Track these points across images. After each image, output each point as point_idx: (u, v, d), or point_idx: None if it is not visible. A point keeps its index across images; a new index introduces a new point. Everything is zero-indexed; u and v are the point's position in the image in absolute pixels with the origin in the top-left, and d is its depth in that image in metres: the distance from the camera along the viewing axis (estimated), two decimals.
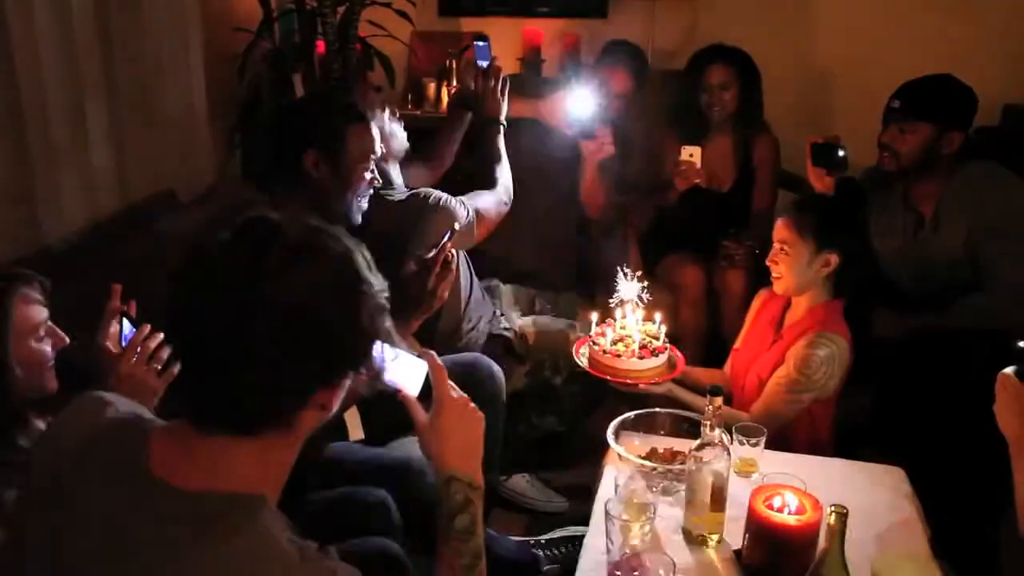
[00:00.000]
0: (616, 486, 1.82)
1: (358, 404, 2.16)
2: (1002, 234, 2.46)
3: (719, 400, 1.71)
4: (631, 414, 2.07)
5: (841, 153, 2.60)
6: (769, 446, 2.00)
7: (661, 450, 2.03)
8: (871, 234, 2.65)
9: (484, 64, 2.61)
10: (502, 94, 2.61)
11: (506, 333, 2.66)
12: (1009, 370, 1.80)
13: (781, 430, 2.19)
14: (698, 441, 1.74)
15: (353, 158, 2.05)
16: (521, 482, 2.76)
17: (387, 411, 2.06)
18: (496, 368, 2.37)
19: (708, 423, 1.72)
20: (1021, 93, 3.62)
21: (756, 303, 2.46)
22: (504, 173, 2.56)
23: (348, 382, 1.10)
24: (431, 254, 2.01)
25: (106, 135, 2.63)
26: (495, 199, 2.49)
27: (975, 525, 2.38)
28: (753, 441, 1.98)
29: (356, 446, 2.12)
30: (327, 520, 1.85)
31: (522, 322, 2.72)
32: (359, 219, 2.12)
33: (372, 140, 2.11)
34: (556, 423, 2.74)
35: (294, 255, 1.02)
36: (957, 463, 2.37)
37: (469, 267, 2.59)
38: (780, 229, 2.23)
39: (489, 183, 2.52)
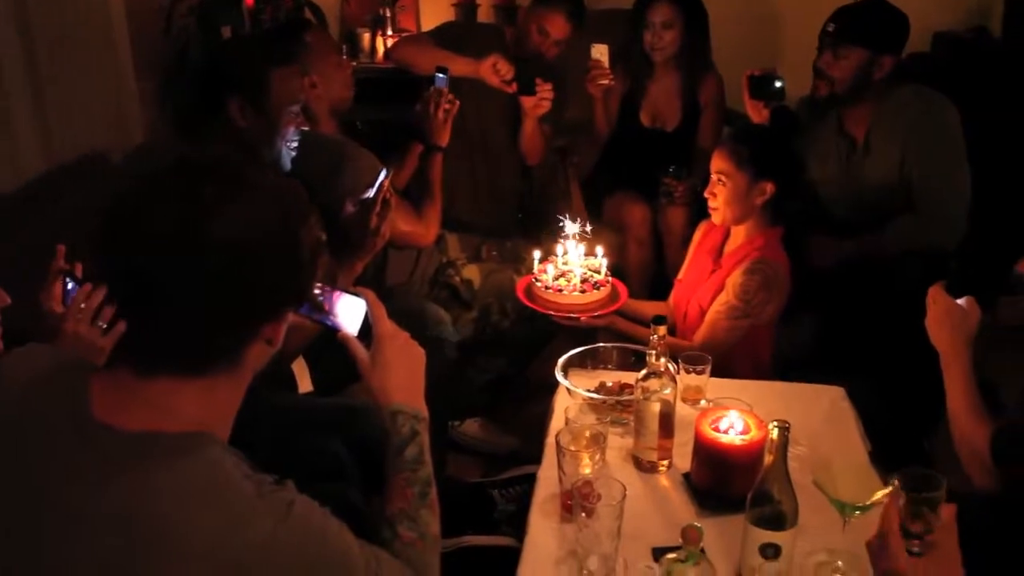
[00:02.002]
0: (567, 420, 1.84)
1: (305, 355, 2.16)
2: (932, 157, 2.51)
3: (663, 329, 1.73)
4: (578, 350, 2.09)
5: (778, 84, 2.63)
6: (713, 373, 2.03)
7: (609, 383, 2.05)
8: (806, 162, 2.69)
9: (442, 85, 2.64)
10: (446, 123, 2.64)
11: (451, 281, 2.65)
12: (939, 285, 1.86)
13: (724, 357, 2.23)
14: (644, 371, 1.77)
15: (279, 102, 2.01)
16: (473, 426, 2.78)
17: (335, 361, 2.07)
18: (443, 315, 2.38)
19: (653, 353, 1.74)
20: (950, 21, 3.68)
21: (697, 235, 2.49)
22: (433, 209, 2.57)
23: (290, 315, 1.10)
24: (370, 194, 1.99)
25: (27, 96, 2.53)
26: (415, 223, 2.50)
27: (913, 438, 2.47)
28: (698, 369, 2.02)
29: (305, 397, 2.12)
30: (277, 472, 1.85)
31: (468, 269, 2.72)
32: (289, 165, 2.09)
33: (299, 83, 2.08)
34: (505, 365, 2.76)
35: (230, 190, 1.02)
36: (896, 380, 2.44)
37: None
38: (717, 160, 2.25)
39: (417, 209, 2.55)
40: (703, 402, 2.00)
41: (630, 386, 1.99)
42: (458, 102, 2.65)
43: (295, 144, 2.07)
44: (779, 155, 2.26)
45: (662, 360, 1.75)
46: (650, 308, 2.44)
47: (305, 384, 2.16)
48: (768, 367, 2.35)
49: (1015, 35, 3.57)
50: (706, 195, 2.29)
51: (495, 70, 2.81)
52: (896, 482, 1.28)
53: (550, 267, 2.31)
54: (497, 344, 2.72)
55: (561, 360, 2.05)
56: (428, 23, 3.95)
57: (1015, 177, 3.16)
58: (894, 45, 2.53)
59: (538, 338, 2.75)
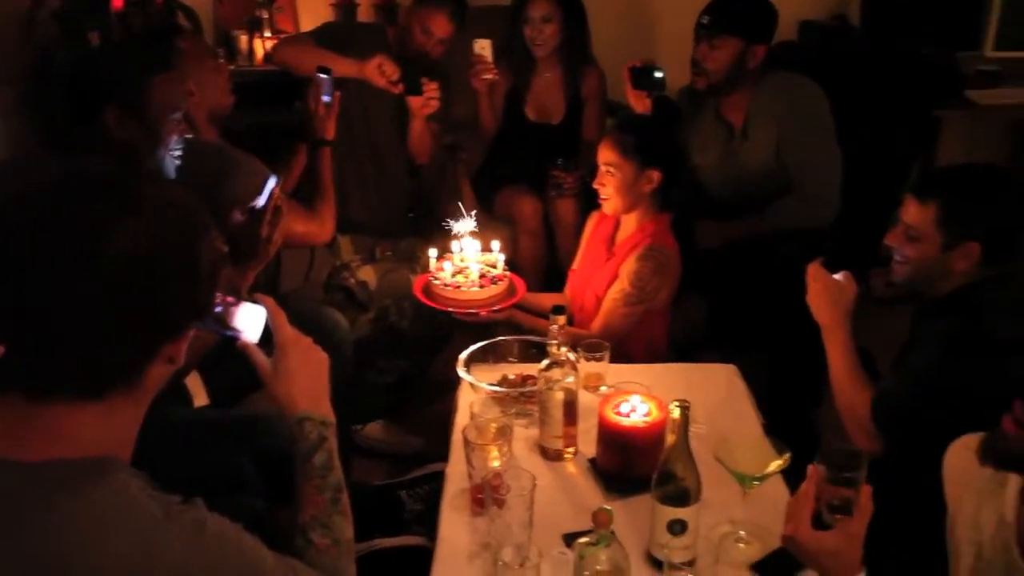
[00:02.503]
0: (472, 415, 1.85)
1: (199, 368, 2.09)
2: (805, 140, 2.63)
3: (562, 319, 1.76)
4: (479, 345, 2.11)
5: (658, 74, 2.70)
6: (612, 359, 2.08)
7: (512, 376, 2.07)
8: (689, 149, 2.78)
9: (328, 100, 2.57)
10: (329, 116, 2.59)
11: (347, 283, 2.62)
12: (818, 262, 1.95)
13: (621, 342, 2.29)
14: (546, 361, 1.79)
15: (160, 110, 1.94)
16: (377, 429, 2.76)
17: (229, 372, 2.02)
18: (340, 318, 2.35)
19: (554, 343, 1.77)
20: (814, 10, 3.86)
21: (589, 225, 2.53)
22: (327, 206, 2.52)
23: (193, 332, 1.07)
24: (260, 202, 1.95)
25: None
26: (308, 222, 2.46)
27: (800, 410, 2.59)
28: (597, 356, 2.06)
29: (202, 411, 2.05)
30: (180, 490, 1.80)
31: (363, 270, 2.70)
32: (174, 174, 2.03)
33: (178, 90, 2.01)
34: (406, 366, 2.75)
35: (121, 205, 0.98)
36: (783, 356, 2.56)
37: None
38: (604, 151, 2.29)
39: (311, 207, 2.49)
40: (604, 388, 2.04)
41: (532, 377, 2.01)
42: (339, 92, 2.60)
43: (179, 153, 2.00)
44: (663, 143, 2.33)
45: (563, 349, 1.77)
46: (547, 300, 2.47)
47: (201, 398, 2.10)
48: (663, 350, 2.41)
49: (872, 23, 3.77)
50: (595, 186, 2.33)
51: (380, 71, 2.79)
52: (819, 460, 1.32)
53: (447, 264, 2.31)
54: (396, 344, 2.70)
55: (463, 356, 2.06)
56: (307, 23, 3.87)
57: (878, 157, 3.34)
58: (765, 34, 2.64)
59: (437, 336, 2.76)
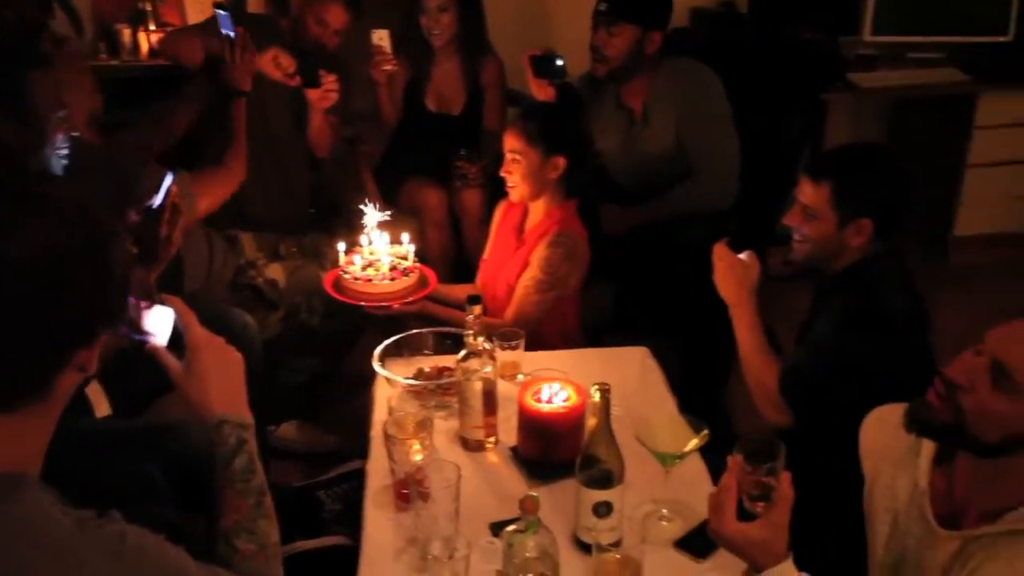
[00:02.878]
0: (390, 410, 1.83)
1: (99, 376, 2.00)
2: (703, 124, 2.70)
3: (478, 308, 1.76)
4: (393, 339, 2.09)
5: (559, 62, 2.72)
6: (527, 347, 2.09)
7: (428, 368, 2.06)
8: (591, 136, 2.82)
9: (230, 34, 2.47)
10: (244, 60, 2.49)
11: (254, 282, 2.55)
12: (722, 243, 2.01)
13: (535, 330, 2.30)
14: (463, 352, 1.79)
15: (42, 108, 1.85)
16: (291, 429, 2.70)
17: (132, 378, 1.95)
18: (248, 318, 2.30)
19: (471, 333, 1.77)
20: None
21: (497, 214, 2.54)
22: (238, 156, 2.45)
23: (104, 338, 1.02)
24: (157, 201, 1.88)
25: None
26: (224, 175, 2.38)
27: (710, 388, 2.67)
28: (513, 344, 2.06)
29: (107, 421, 1.97)
30: (88, 503, 1.73)
31: (270, 268, 2.63)
32: (61, 174, 1.93)
33: (59, 87, 1.91)
34: (318, 363, 2.70)
35: (18, 205, 0.92)
36: (692, 336, 2.62)
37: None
38: (509, 139, 2.30)
39: (221, 158, 2.41)
40: (520, 376, 2.05)
41: (448, 369, 2.01)
42: (240, 28, 2.53)
43: (65, 152, 1.91)
44: (568, 130, 2.35)
45: (480, 339, 1.78)
46: (459, 291, 2.46)
47: (103, 408, 2.00)
48: (577, 335, 2.44)
49: (758, 10, 3.89)
50: (502, 174, 2.34)
51: (276, 64, 2.72)
52: (738, 452, 1.32)
53: (357, 258, 2.28)
54: (308, 342, 2.66)
55: (377, 351, 2.04)
56: (194, 15, 3.74)
57: (770, 140, 3.45)
58: (661, 21, 2.69)
59: (349, 332, 2.72)
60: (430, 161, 3.20)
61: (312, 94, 2.80)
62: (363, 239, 2.32)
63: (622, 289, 2.92)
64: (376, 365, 2.00)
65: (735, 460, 1.31)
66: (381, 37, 2.95)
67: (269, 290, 2.59)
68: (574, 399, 1.73)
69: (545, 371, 1.86)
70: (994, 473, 1.27)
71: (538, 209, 2.38)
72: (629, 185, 2.85)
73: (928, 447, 1.39)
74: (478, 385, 1.78)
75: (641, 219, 2.74)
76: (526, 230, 2.41)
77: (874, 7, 3.87)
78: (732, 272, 1.98)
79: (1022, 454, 1.23)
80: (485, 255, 2.54)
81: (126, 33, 3.75)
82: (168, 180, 1.93)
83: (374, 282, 2.22)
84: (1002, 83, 3.80)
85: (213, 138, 2.54)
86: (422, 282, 2.31)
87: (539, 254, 2.30)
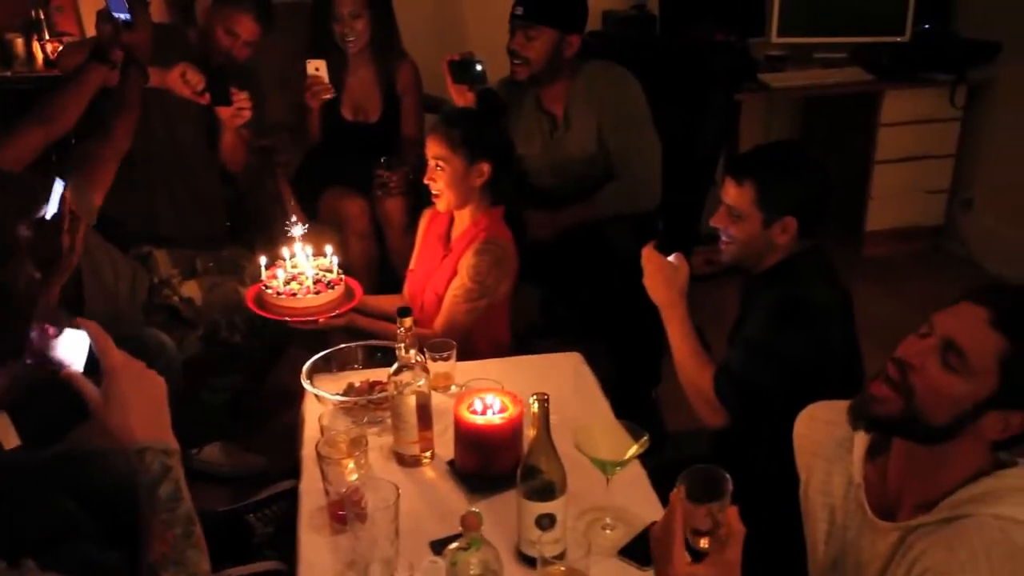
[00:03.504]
0: (321, 428, 1.77)
1: (4, 407, 1.88)
2: (624, 126, 2.71)
3: (409, 320, 1.71)
4: (321, 354, 2.03)
5: (479, 67, 2.69)
6: (458, 357, 2.06)
7: (358, 383, 2.01)
8: (514, 141, 2.80)
9: (124, 17, 2.35)
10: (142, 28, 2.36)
11: (170, 301, 2.45)
12: (651, 245, 2.01)
13: (465, 340, 2.27)
14: (396, 366, 1.74)
15: None
16: (214, 451, 2.60)
17: (42, 407, 1.84)
18: (165, 338, 2.20)
19: (402, 346, 1.72)
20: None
21: (423, 223, 2.49)
22: (128, 117, 2.29)
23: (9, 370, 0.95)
24: (51, 210, 1.78)
25: None
26: (111, 149, 2.24)
27: (642, 390, 2.68)
28: (444, 355, 2.03)
29: (15, 454, 1.85)
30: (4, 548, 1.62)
31: (186, 286, 2.53)
32: None
33: None
34: (240, 382, 2.61)
35: None
36: (622, 340, 2.63)
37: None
38: (432, 146, 2.26)
39: (108, 127, 2.25)
40: (454, 388, 2.02)
41: (380, 383, 1.97)
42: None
43: None
44: (491, 135, 2.32)
45: (412, 352, 1.73)
46: (386, 302, 2.42)
47: (10, 439, 1.88)
48: (507, 343, 2.42)
49: (668, 12, 3.94)
50: (426, 181, 2.30)
51: (184, 81, 2.62)
52: (681, 486, 1.22)
53: (280, 272, 2.21)
54: (229, 360, 2.56)
55: (305, 367, 1.97)
56: (92, 25, 3.59)
57: (686, 141, 3.49)
58: (578, 23, 2.69)
59: (272, 349, 2.64)
60: (349, 170, 3.13)
61: (223, 112, 2.71)
62: (284, 252, 2.25)
63: (550, 294, 2.92)
64: (305, 382, 1.93)
65: (677, 496, 1.22)
66: (318, 67, 2.90)
67: (186, 309, 2.48)
68: (511, 410, 1.70)
69: (479, 381, 1.83)
70: (929, 462, 1.29)
71: (464, 217, 2.35)
72: (552, 189, 2.84)
73: (861, 441, 1.41)
74: (412, 399, 1.74)
75: (566, 223, 2.73)
76: (453, 238, 2.37)
77: (779, 9, 3.96)
78: (661, 274, 1.99)
79: (961, 440, 1.25)
80: (411, 265, 2.49)
81: (19, 43, 3.58)
82: (58, 187, 1.82)
83: (298, 296, 2.15)
84: (902, 81, 3.93)
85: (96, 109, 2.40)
86: (348, 294, 2.25)
87: (467, 262, 2.27)
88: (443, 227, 2.41)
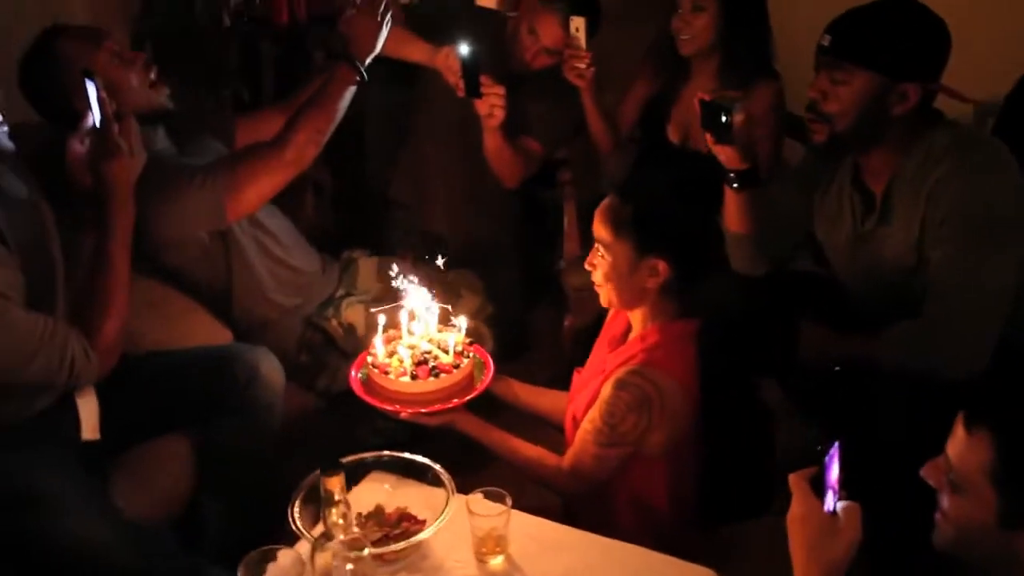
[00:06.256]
0: None
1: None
2: (962, 238, 1.68)
3: (336, 482, 1.20)
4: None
5: (724, 118, 1.79)
6: (591, 520, 1.54)
7: (390, 510, 1.54)
8: (816, 220, 1.96)
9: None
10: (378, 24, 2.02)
11: (325, 325, 2.17)
12: (803, 476, 1.20)
13: (600, 495, 1.65)
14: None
15: None
16: None
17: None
18: (267, 368, 1.90)
19: (332, 511, 1.22)
20: None
21: (610, 311, 1.84)
22: (309, 123, 1.98)
23: None
24: (96, 116, 1.63)
25: None
26: (271, 160, 1.96)
27: None
28: (497, 512, 1.46)
29: None
30: None
31: (351, 310, 2.20)
32: None
33: None
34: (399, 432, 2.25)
35: None
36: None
37: (261, 240, 2.13)
38: (596, 223, 1.62)
39: (278, 135, 1.99)
40: (499, 560, 1.45)
41: (411, 521, 1.49)
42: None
43: None
44: (673, 222, 1.58)
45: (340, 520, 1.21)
46: (546, 398, 1.86)
47: (92, 429, 1.76)
48: (665, 516, 1.67)
49: None
50: (586, 266, 1.67)
51: (447, 65, 2.31)
52: None
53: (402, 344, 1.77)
54: None
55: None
56: None
57: None
58: (921, 68, 1.71)
59: None
60: None
61: (479, 107, 2.33)
62: (405, 313, 1.81)
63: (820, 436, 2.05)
64: (293, 515, 1.48)
65: None
66: (578, 26, 2.34)
67: (343, 338, 2.16)
68: None
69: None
70: None
71: (636, 324, 1.68)
72: (856, 298, 1.95)
73: None
74: None
75: (840, 353, 1.85)
76: (620, 348, 1.71)
77: None
78: (802, 528, 1.16)
79: None
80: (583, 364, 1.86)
81: None
82: (91, 86, 1.66)
83: (391, 377, 1.71)
84: None
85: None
86: (473, 378, 1.75)
87: (605, 393, 1.60)
88: (620, 327, 1.75)
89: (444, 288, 2.34)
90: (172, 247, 2.00)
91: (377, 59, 2.09)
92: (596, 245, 1.63)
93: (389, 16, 2.04)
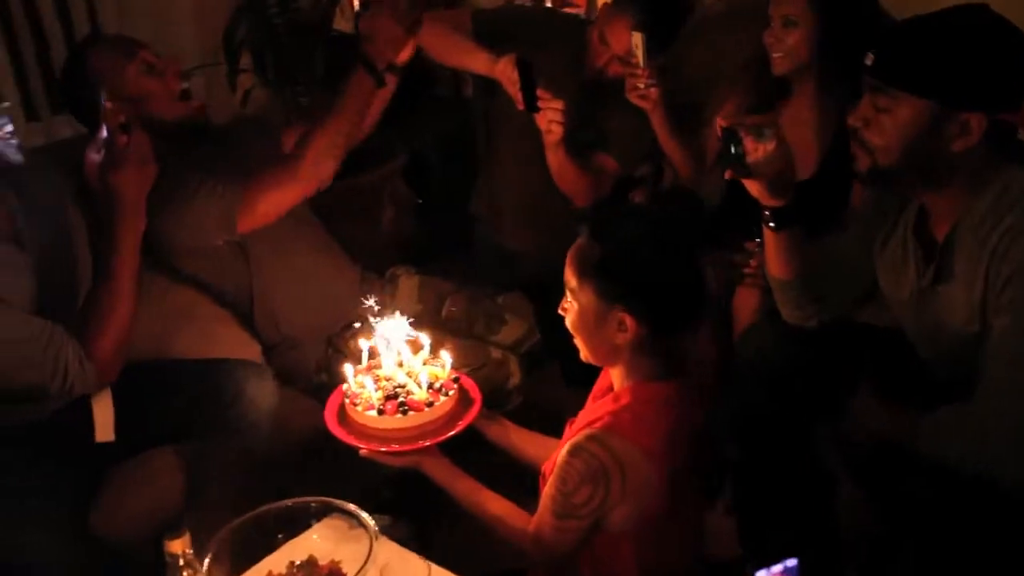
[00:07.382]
0: None
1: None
2: (1021, 305, 1.35)
3: (179, 544, 1.10)
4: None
5: (733, 149, 1.50)
6: None
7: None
8: (879, 271, 1.66)
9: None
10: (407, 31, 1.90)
11: (344, 348, 2.08)
12: None
13: (564, 569, 1.46)
14: None
15: None
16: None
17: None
18: (254, 387, 1.83)
19: None
20: None
21: None
22: (323, 137, 1.89)
23: None
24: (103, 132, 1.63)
25: None
26: (282, 176, 1.90)
27: None
28: None
29: None
30: None
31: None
32: None
33: None
34: None
35: None
36: None
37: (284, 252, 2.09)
38: (566, 267, 1.43)
39: (296, 149, 1.92)
40: None
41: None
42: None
43: None
44: (642, 268, 1.36)
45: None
46: (533, 443, 1.68)
47: (107, 431, 1.78)
48: None
49: None
50: (559, 311, 1.48)
51: (507, 75, 2.18)
52: None
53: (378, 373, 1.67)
54: None
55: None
56: None
57: None
58: (986, 92, 1.37)
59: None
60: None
61: (539, 121, 2.20)
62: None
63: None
64: None
65: None
66: (637, 42, 2.15)
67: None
68: None
69: None
70: None
71: (615, 380, 1.47)
72: (926, 361, 1.63)
73: None
74: None
75: (888, 434, 1.54)
76: (595, 405, 1.51)
77: None
78: None
79: None
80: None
81: None
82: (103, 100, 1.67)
83: (361, 411, 1.59)
84: None
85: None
86: (457, 414, 1.60)
87: (560, 458, 1.41)
88: (608, 380, 1.54)
89: (485, 314, 2.24)
90: (185, 254, 1.99)
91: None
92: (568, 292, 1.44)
93: (415, 23, 1.92)
